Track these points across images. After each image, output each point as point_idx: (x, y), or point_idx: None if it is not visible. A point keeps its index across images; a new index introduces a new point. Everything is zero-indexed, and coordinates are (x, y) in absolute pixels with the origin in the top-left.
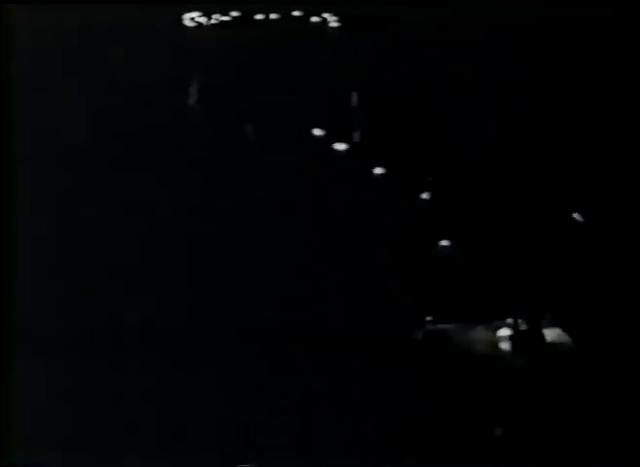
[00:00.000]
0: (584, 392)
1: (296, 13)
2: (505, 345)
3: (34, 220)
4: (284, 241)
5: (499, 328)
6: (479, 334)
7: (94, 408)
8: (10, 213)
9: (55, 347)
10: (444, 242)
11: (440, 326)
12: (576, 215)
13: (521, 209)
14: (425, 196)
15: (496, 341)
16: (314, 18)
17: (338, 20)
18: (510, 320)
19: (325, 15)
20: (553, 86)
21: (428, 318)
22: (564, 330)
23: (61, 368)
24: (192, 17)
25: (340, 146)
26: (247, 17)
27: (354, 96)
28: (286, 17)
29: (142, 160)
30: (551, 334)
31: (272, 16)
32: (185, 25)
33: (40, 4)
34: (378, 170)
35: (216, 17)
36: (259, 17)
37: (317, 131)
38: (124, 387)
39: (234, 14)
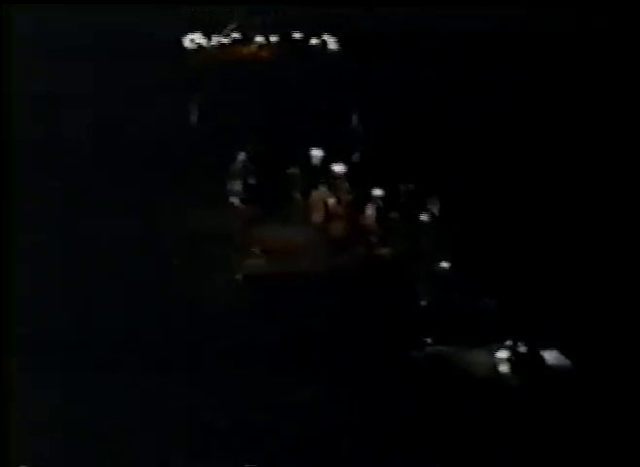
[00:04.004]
0: (582, 414)
1: (296, 35)
2: (504, 367)
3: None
4: (286, 260)
5: (498, 350)
6: (478, 356)
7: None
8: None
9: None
10: (444, 264)
11: (439, 348)
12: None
13: (521, 232)
14: (425, 217)
15: (495, 363)
16: (314, 40)
17: (338, 42)
18: (509, 342)
19: (325, 36)
20: (563, 116)
21: (428, 340)
22: (563, 352)
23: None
24: (192, 39)
25: (339, 167)
26: (247, 38)
27: (354, 117)
28: (286, 38)
29: (140, 177)
30: (549, 356)
31: (272, 38)
32: (185, 46)
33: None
34: (377, 191)
35: (216, 39)
36: (259, 38)
37: (316, 152)
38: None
39: (235, 35)
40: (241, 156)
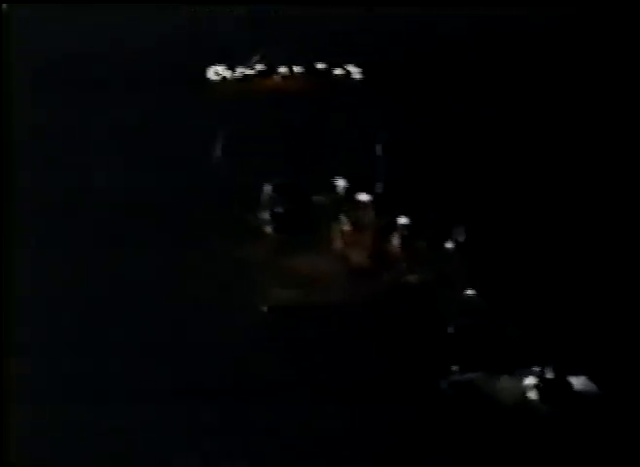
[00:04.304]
0: (610, 440)
1: (319, 65)
2: (531, 394)
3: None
4: (311, 290)
5: (525, 376)
6: (505, 383)
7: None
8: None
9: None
10: (470, 291)
11: (467, 375)
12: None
13: (548, 258)
14: (450, 245)
15: (523, 389)
16: (338, 70)
17: (362, 72)
18: (536, 368)
19: (348, 66)
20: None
21: (454, 368)
22: (591, 378)
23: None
24: (216, 71)
25: (364, 196)
26: (270, 69)
27: (377, 147)
28: (309, 68)
29: (162, 207)
30: (577, 382)
31: (296, 68)
32: (208, 78)
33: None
34: (403, 220)
35: (240, 71)
36: (282, 69)
37: (341, 182)
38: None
39: (258, 66)
40: (268, 186)
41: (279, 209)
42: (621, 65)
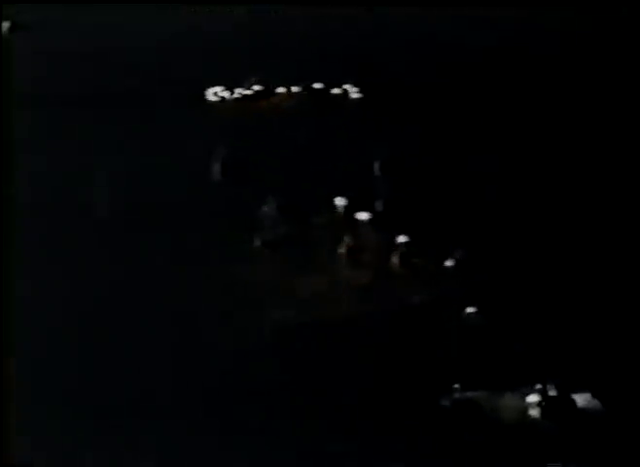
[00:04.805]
0: (614, 457)
1: (317, 85)
2: (534, 412)
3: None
4: (312, 309)
5: (528, 394)
6: (508, 400)
7: None
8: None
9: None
10: (471, 309)
11: (469, 394)
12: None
13: (548, 276)
14: (450, 262)
15: (526, 407)
16: (335, 90)
17: (360, 92)
18: (539, 386)
19: (346, 86)
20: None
21: (456, 386)
22: (594, 395)
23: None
24: (214, 92)
25: (363, 215)
26: (269, 90)
27: (376, 166)
28: (307, 88)
29: (161, 232)
30: (580, 399)
31: (294, 88)
32: (207, 99)
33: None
34: (402, 238)
35: (238, 92)
36: (280, 90)
37: (339, 201)
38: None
39: (256, 87)
40: (268, 206)
41: (280, 229)
42: (622, 68)
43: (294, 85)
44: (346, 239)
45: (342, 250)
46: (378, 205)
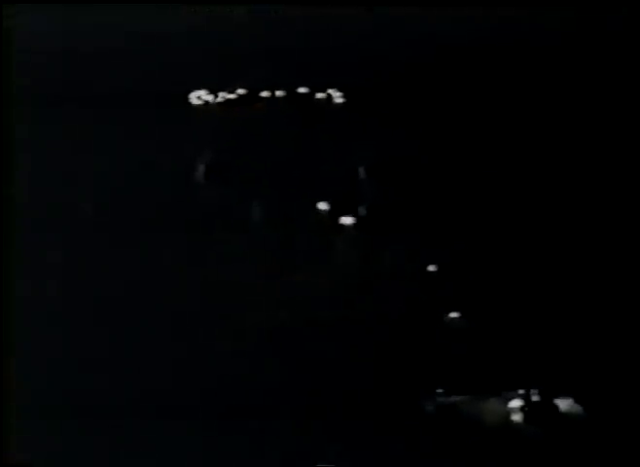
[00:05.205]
0: (597, 463)
1: (301, 89)
2: (517, 417)
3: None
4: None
5: (510, 399)
6: (490, 405)
7: None
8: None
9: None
10: (454, 313)
11: (451, 398)
12: None
13: (533, 279)
14: (433, 267)
15: (508, 412)
16: (319, 94)
17: (344, 96)
18: (521, 391)
19: (330, 90)
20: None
21: (439, 390)
22: (577, 400)
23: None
24: (198, 96)
25: (347, 220)
26: (253, 94)
27: (361, 170)
28: (291, 92)
29: (145, 235)
30: (563, 404)
31: (278, 92)
32: (191, 103)
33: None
34: (386, 243)
35: (222, 95)
36: (264, 94)
37: (323, 205)
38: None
39: (240, 91)
40: (253, 209)
41: (269, 231)
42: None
43: (277, 89)
44: (330, 243)
45: (327, 254)
46: (362, 210)
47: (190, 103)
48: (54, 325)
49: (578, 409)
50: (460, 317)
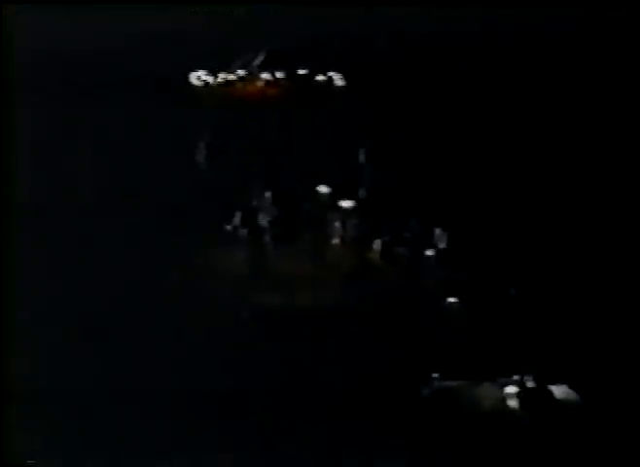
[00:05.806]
0: (591, 448)
1: (301, 71)
2: (512, 402)
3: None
4: (294, 295)
5: (506, 385)
6: (486, 391)
7: None
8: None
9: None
10: (451, 299)
11: (447, 383)
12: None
13: (529, 266)
14: (431, 252)
15: (504, 397)
16: (320, 77)
17: (344, 78)
18: (517, 377)
19: (331, 73)
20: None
21: (435, 375)
22: (572, 387)
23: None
24: (198, 76)
25: (347, 203)
26: (252, 75)
27: (361, 153)
28: (291, 74)
29: (145, 216)
30: (558, 390)
31: (278, 74)
32: (191, 83)
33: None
34: (385, 226)
35: (222, 76)
36: (265, 75)
37: (324, 189)
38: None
39: (240, 72)
40: (256, 193)
41: (266, 216)
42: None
43: (278, 70)
44: (330, 227)
45: (325, 237)
46: (362, 193)
47: (190, 84)
48: (56, 319)
49: (572, 395)
50: (457, 303)
